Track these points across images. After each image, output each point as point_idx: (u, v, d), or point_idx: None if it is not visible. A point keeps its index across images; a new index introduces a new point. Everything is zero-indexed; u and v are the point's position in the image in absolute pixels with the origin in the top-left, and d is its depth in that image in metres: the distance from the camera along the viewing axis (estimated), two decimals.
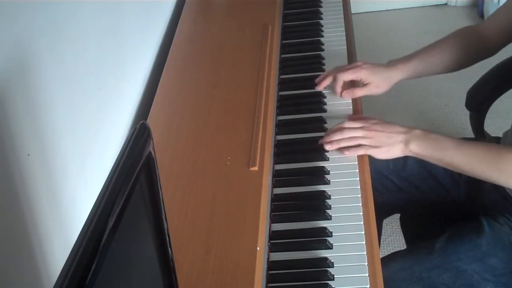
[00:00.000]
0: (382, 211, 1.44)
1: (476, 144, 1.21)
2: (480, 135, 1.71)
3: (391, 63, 1.42)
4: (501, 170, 1.15)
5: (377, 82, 1.39)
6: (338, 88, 1.40)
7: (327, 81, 1.42)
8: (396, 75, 1.40)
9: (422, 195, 1.43)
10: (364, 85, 1.40)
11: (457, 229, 1.29)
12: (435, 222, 1.47)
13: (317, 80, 1.45)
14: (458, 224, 1.31)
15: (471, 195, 1.38)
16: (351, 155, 1.24)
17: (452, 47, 1.42)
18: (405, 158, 1.33)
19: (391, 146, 1.21)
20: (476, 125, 1.72)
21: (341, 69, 1.42)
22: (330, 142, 1.25)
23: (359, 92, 1.40)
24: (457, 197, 1.40)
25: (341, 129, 1.26)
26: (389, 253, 1.34)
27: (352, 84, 1.42)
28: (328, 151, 1.26)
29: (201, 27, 1.76)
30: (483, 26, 1.43)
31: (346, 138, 1.24)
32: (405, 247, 1.62)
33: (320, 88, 1.43)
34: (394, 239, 2.13)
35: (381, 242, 1.74)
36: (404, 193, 1.44)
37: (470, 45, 1.42)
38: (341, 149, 1.25)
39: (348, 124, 1.26)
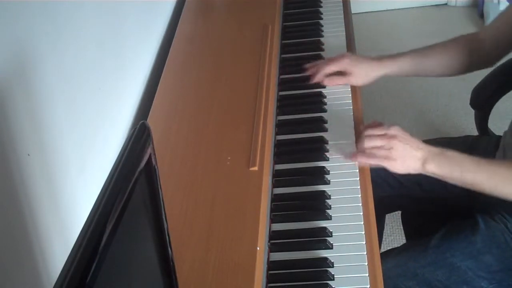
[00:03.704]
0: (384, 206, 1.44)
1: (497, 162, 1.18)
2: (484, 133, 1.72)
3: (380, 58, 1.43)
4: None
5: (357, 73, 1.41)
6: (318, 79, 1.44)
7: (320, 77, 1.44)
8: (379, 69, 1.41)
9: (422, 191, 1.43)
10: (345, 74, 1.42)
11: (452, 226, 1.30)
12: (434, 219, 1.47)
13: (309, 70, 1.48)
14: (454, 221, 1.31)
15: (469, 192, 1.38)
16: (363, 165, 1.21)
17: (449, 53, 1.41)
18: None
19: (407, 160, 1.16)
20: (480, 124, 1.73)
21: (327, 61, 1.46)
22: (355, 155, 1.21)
23: (339, 81, 1.43)
24: (456, 194, 1.40)
25: (364, 137, 1.21)
26: None
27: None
28: (328, 151, 1.27)
29: (201, 27, 1.76)
30: (481, 36, 1.42)
31: (367, 150, 1.19)
32: None
33: (315, 81, 1.45)
34: (394, 239, 2.13)
35: (381, 243, 1.74)
36: (405, 189, 1.44)
37: (467, 54, 1.41)
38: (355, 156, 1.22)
39: (368, 132, 1.21)
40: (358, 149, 1.23)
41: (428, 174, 1.17)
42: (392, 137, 1.18)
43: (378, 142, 1.19)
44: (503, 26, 1.36)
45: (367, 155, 1.19)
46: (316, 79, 1.44)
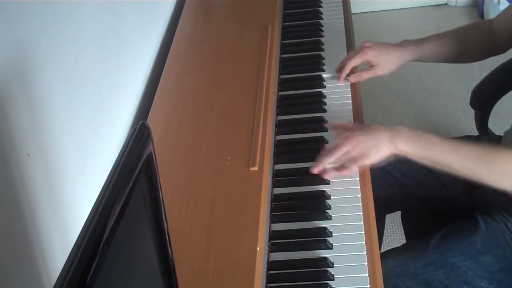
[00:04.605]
0: (383, 205, 1.44)
1: (467, 143, 1.18)
2: (484, 134, 1.72)
3: (403, 43, 1.44)
4: (497, 172, 1.12)
5: (383, 64, 1.41)
6: (344, 75, 1.43)
7: (346, 71, 1.44)
8: (406, 56, 1.42)
9: (421, 190, 1.43)
10: (371, 66, 1.42)
11: (452, 226, 1.30)
12: (434, 219, 1.47)
13: (337, 69, 1.48)
14: (454, 221, 1.31)
15: (469, 192, 1.38)
16: (349, 173, 1.18)
17: (465, 37, 1.43)
18: None
19: (377, 147, 1.15)
20: (480, 124, 1.73)
21: (350, 55, 1.45)
22: (327, 171, 1.19)
23: (366, 75, 1.43)
24: (455, 193, 1.40)
25: (329, 151, 1.20)
26: None
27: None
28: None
29: (201, 27, 1.76)
30: (495, 22, 1.44)
31: (337, 159, 1.18)
32: None
33: (341, 81, 1.45)
34: (394, 239, 2.13)
35: (381, 243, 1.74)
36: (404, 187, 1.44)
37: (483, 39, 1.43)
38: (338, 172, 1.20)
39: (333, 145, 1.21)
40: (322, 164, 1.20)
41: (402, 154, 1.15)
42: (354, 136, 1.17)
43: (345, 148, 1.17)
44: None
45: (340, 167, 1.18)
46: (343, 76, 1.44)
